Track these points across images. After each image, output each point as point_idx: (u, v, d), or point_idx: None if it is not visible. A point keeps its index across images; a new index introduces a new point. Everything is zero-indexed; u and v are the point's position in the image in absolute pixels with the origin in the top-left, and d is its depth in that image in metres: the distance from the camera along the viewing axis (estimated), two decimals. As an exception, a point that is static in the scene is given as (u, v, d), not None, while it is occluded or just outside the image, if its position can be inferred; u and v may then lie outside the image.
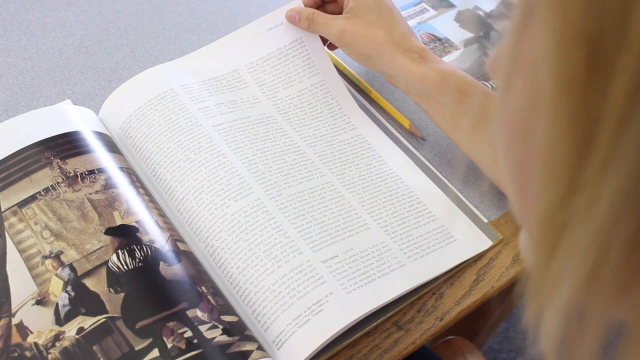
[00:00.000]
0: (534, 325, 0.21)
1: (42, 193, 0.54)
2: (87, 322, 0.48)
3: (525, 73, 0.19)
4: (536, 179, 0.19)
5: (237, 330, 0.50)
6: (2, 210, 0.53)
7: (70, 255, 0.51)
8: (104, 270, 0.51)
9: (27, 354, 0.47)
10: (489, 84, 0.72)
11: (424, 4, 0.81)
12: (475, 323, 1.09)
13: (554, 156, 0.18)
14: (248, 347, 0.49)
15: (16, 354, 0.47)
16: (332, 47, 0.71)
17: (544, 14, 0.17)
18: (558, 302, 0.19)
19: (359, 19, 0.64)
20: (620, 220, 0.17)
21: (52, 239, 0.52)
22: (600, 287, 0.19)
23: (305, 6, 0.69)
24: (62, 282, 0.50)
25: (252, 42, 0.69)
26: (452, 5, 0.81)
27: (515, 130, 0.21)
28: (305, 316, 0.51)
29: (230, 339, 0.49)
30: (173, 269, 0.52)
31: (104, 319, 0.49)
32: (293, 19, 0.68)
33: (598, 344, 0.20)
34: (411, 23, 0.78)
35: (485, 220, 0.62)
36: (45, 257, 0.51)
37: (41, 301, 0.49)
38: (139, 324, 0.48)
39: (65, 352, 0.47)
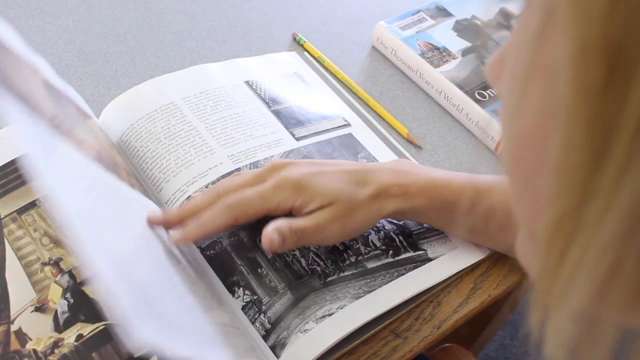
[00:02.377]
0: (539, 330, 0.21)
1: (42, 200, 0.54)
2: (86, 329, 0.48)
3: (542, 79, 0.19)
4: (548, 187, 0.20)
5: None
6: (2, 217, 0.53)
7: (69, 262, 0.51)
8: (103, 278, 0.51)
9: (26, 361, 0.47)
10: (487, 93, 0.73)
11: (422, 13, 0.81)
12: (480, 331, 1.09)
13: (569, 163, 0.18)
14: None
15: (15, 361, 0.47)
16: None
17: (565, 19, 0.17)
18: (568, 309, 0.19)
19: (331, 209, 0.52)
20: (636, 227, 0.17)
21: (51, 245, 0.52)
22: (614, 294, 0.19)
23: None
24: (61, 289, 0.50)
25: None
26: (450, 15, 0.82)
27: (528, 138, 0.21)
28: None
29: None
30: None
31: (103, 326, 0.49)
32: (274, 248, 0.51)
33: (609, 350, 0.20)
34: (409, 32, 0.78)
35: (483, 229, 0.62)
36: (44, 264, 0.51)
37: (40, 308, 0.49)
38: (138, 331, 0.48)
39: (64, 359, 0.47)
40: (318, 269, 0.55)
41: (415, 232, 0.60)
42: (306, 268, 0.55)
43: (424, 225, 0.60)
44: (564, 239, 0.19)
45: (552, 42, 0.19)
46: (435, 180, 0.54)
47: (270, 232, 0.50)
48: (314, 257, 0.56)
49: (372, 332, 0.54)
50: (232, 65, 0.71)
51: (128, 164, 0.60)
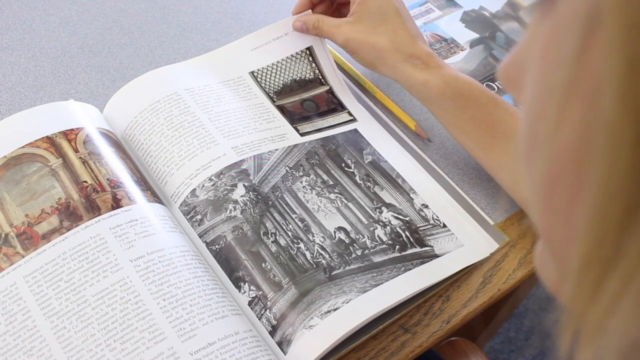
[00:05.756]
0: (569, 356, 0.19)
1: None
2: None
3: (584, 97, 0.18)
4: (584, 214, 0.18)
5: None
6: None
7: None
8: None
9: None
10: (495, 85, 0.72)
11: (429, 4, 0.80)
12: (486, 324, 1.08)
13: (610, 189, 0.17)
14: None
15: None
16: None
17: (613, 31, 0.16)
18: (610, 340, 0.18)
19: (361, 24, 0.64)
20: None
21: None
22: None
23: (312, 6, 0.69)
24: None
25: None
26: (457, 6, 0.81)
27: (565, 160, 0.19)
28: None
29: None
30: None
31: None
32: (301, 28, 0.69)
33: None
34: (417, 23, 0.77)
35: (492, 223, 0.61)
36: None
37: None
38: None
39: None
40: (323, 262, 0.55)
41: (421, 229, 0.59)
42: (311, 261, 0.55)
43: (430, 222, 0.59)
44: (601, 268, 0.18)
45: (596, 57, 0.17)
46: (458, 77, 0.61)
47: (301, 19, 0.68)
48: (319, 250, 0.56)
49: (381, 327, 0.53)
50: (238, 51, 0.69)
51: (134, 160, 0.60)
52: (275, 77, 0.69)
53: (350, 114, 0.68)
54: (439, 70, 0.61)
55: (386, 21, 0.64)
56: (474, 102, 0.60)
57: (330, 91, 0.69)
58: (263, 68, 0.69)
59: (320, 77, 0.70)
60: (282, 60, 0.69)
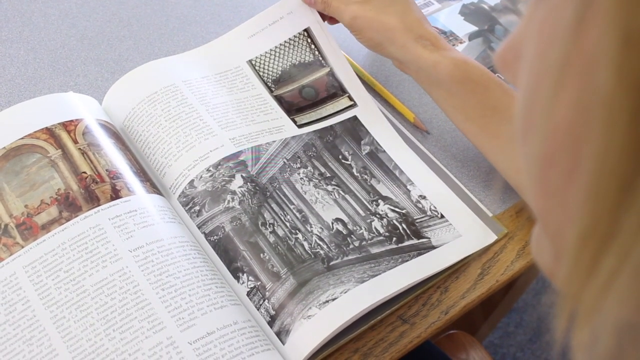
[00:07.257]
0: (564, 338, 0.19)
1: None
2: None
3: (580, 73, 0.18)
4: (581, 191, 0.18)
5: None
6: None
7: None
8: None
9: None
10: (497, 76, 0.72)
11: (428, -4, 0.80)
12: (485, 318, 1.08)
13: (606, 165, 0.17)
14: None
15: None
16: (332, 21, 0.70)
17: (607, 6, 0.16)
18: (605, 319, 0.18)
19: (370, 4, 0.63)
20: None
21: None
22: None
23: None
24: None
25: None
26: (456, -2, 0.81)
27: (561, 138, 0.19)
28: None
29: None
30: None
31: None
32: (309, 1, 0.67)
33: None
34: (416, 16, 0.77)
35: (490, 214, 0.61)
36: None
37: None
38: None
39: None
40: (321, 252, 0.55)
41: (418, 221, 0.59)
42: (309, 252, 0.55)
43: (427, 214, 0.59)
44: (597, 246, 0.18)
45: (591, 32, 0.17)
46: (467, 60, 0.60)
47: None
48: (317, 240, 0.56)
49: (379, 317, 0.53)
50: (235, 40, 0.69)
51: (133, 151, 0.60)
52: (273, 63, 0.68)
53: (351, 99, 0.67)
54: (448, 52, 0.61)
55: (395, 2, 0.63)
56: (482, 87, 0.59)
57: (331, 73, 0.68)
58: (261, 55, 0.68)
59: (320, 58, 0.68)
60: (280, 45, 0.68)
